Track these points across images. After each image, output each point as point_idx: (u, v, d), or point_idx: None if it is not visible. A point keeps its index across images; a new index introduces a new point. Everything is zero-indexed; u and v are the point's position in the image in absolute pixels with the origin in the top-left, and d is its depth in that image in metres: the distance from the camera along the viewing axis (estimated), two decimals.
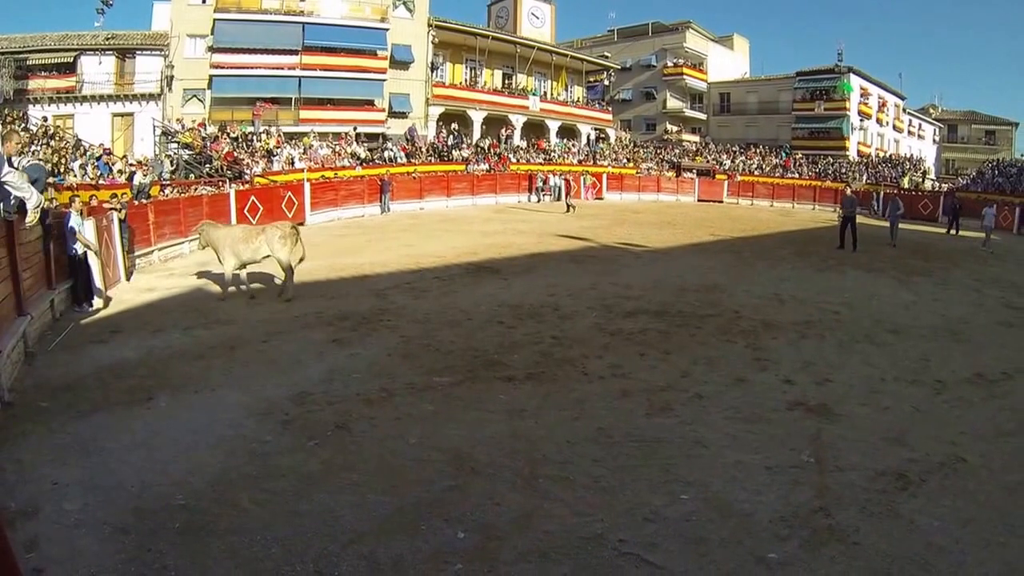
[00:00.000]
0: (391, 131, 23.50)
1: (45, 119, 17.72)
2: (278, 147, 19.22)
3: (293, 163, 18.65)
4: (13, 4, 48.57)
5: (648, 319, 6.98)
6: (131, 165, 14.87)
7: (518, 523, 2.99)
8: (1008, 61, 75.88)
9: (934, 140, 40.85)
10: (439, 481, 3.37)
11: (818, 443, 3.94)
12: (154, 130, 19.12)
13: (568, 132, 29.88)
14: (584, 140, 29.86)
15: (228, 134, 19.04)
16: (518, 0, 29.25)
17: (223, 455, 3.61)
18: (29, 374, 4.95)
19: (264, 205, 14.13)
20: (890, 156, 31.98)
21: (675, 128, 35.85)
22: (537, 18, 29.82)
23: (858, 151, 32.08)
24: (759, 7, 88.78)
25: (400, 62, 23.60)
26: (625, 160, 29.08)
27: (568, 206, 20.02)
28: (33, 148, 13.91)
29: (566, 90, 30.77)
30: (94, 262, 7.31)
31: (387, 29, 23.09)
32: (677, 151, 31.98)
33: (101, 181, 13.24)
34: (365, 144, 21.95)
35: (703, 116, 36.57)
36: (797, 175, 28.31)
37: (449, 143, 23.90)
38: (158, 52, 21.01)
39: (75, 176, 13.41)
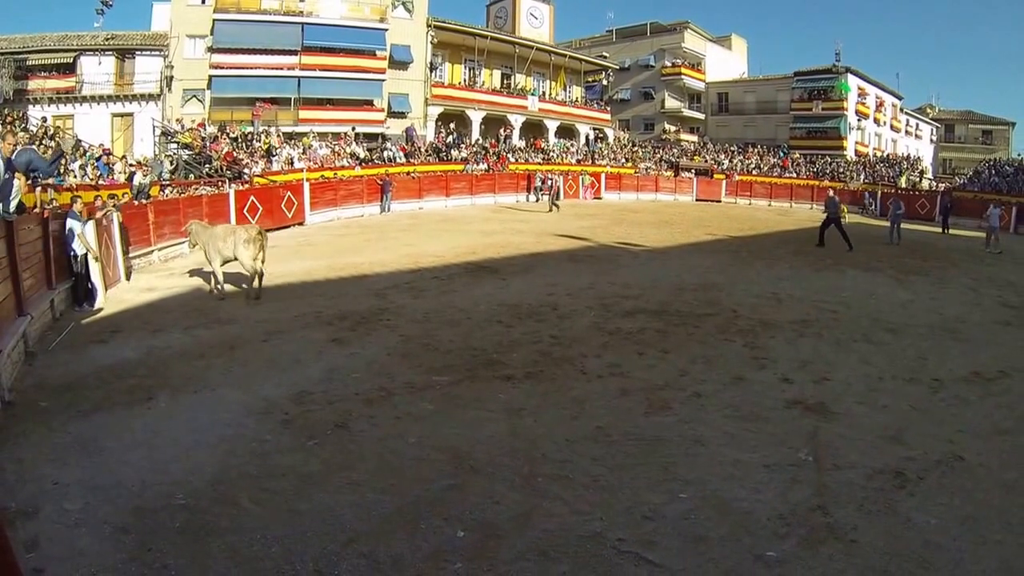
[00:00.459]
0: (390, 131, 23.50)
1: (45, 119, 17.68)
2: (278, 147, 19.21)
3: (292, 163, 18.64)
4: (13, 4, 48.48)
5: (646, 318, 7.00)
6: (131, 166, 14.84)
7: (517, 522, 3.00)
8: (1005, 61, 76.01)
9: (931, 140, 40.91)
10: (438, 480, 3.38)
11: (816, 441, 3.96)
12: (154, 130, 19.10)
13: (567, 132, 29.89)
14: (583, 140, 29.87)
15: (228, 134, 19.03)
16: (517, 0, 29.27)
17: (223, 454, 3.62)
18: (29, 374, 4.95)
19: (264, 205, 14.12)
20: (887, 156, 32.02)
21: (673, 128, 35.88)
22: (536, 18, 29.83)
23: (856, 151, 32.13)
24: (757, 7, 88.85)
25: (399, 62, 23.60)
26: (623, 160, 29.09)
27: (552, 205, 19.80)
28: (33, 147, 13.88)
29: (565, 90, 30.78)
30: (93, 263, 7.31)
31: (386, 29, 23.09)
32: (675, 151, 32.00)
33: (101, 181, 13.22)
34: (364, 144, 21.95)
35: (701, 116, 36.61)
36: (795, 175, 28.34)
37: (449, 143, 23.91)
38: (158, 52, 20.99)
39: (75, 177, 13.38)
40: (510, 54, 27.07)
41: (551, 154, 27.06)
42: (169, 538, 2.81)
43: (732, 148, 31.63)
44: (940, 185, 28.20)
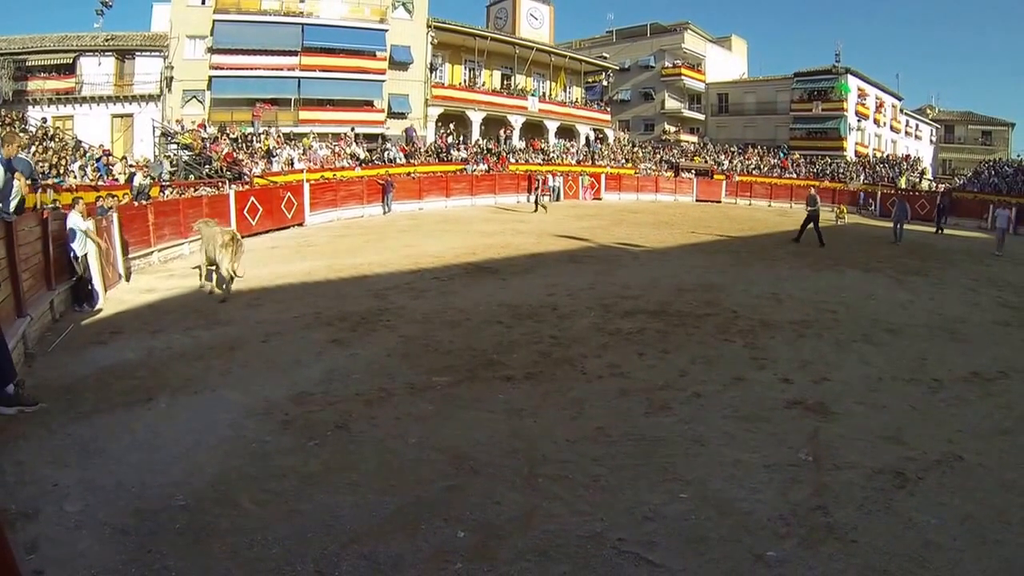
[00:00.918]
0: (390, 132, 23.51)
1: (44, 120, 17.69)
2: (278, 147, 19.22)
3: (292, 164, 18.65)
4: (12, 5, 48.54)
5: (646, 319, 7.00)
6: (131, 166, 14.85)
7: (518, 522, 3.00)
8: (1005, 62, 76.10)
9: (931, 140, 40.94)
10: (439, 481, 3.38)
11: (816, 441, 3.96)
12: (154, 131, 19.11)
13: (567, 133, 29.91)
14: (583, 141, 29.88)
15: (228, 135, 19.04)
16: (517, 1, 29.30)
17: (223, 456, 3.62)
18: (29, 375, 4.94)
19: (264, 206, 14.12)
20: (887, 156, 32.05)
21: (673, 128, 35.91)
22: (536, 19, 29.86)
23: (856, 151, 32.16)
24: (757, 8, 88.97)
25: (399, 63, 23.61)
26: (623, 160, 29.11)
27: (538, 206, 19.68)
28: (33, 149, 13.90)
29: (565, 91, 30.80)
30: (94, 264, 7.30)
31: (386, 30, 23.10)
32: (675, 151, 32.02)
33: (101, 182, 13.23)
34: (364, 145, 21.96)
35: (701, 116, 36.63)
36: (795, 175, 28.35)
37: (450, 143, 23.92)
38: (157, 53, 21.00)
39: (75, 177, 13.39)
40: (510, 55, 27.09)
41: (551, 155, 27.07)
42: (169, 539, 2.81)
43: (732, 149, 31.65)
44: (940, 186, 28.21)
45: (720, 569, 2.69)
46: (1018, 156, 30.55)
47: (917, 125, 39.55)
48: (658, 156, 30.85)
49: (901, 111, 37.71)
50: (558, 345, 5.93)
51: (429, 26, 24.27)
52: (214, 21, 20.94)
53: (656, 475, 3.49)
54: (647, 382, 4.99)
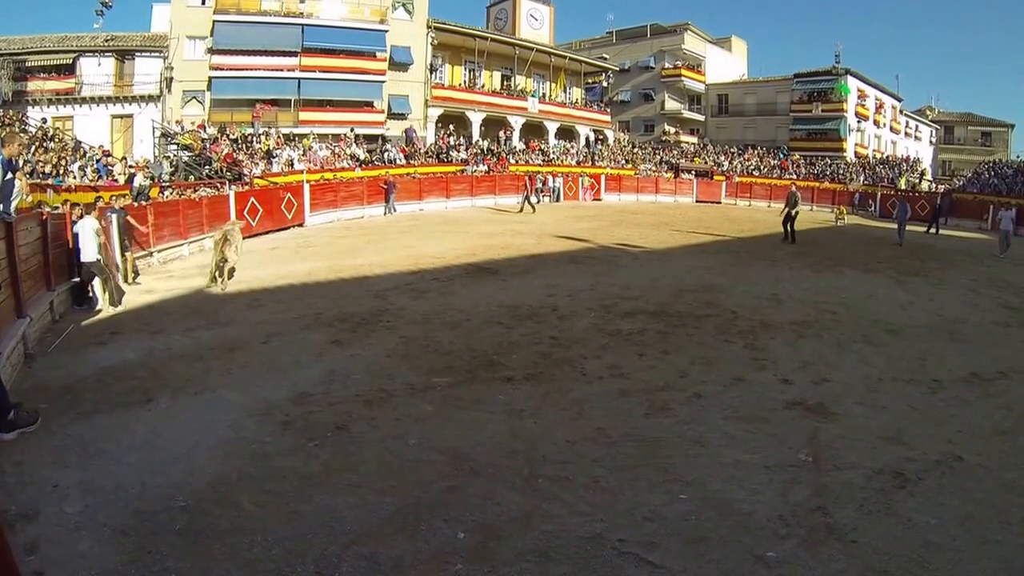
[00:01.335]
0: (390, 133, 23.52)
1: (44, 121, 17.70)
2: (278, 148, 19.23)
3: (292, 164, 18.66)
4: (12, 5, 48.56)
5: (646, 319, 7.00)
6: (131, 167, 14.86)
7: (518, 523, 3.00)
8: (1004, 63, 76.20)
9: (931, 141, 40.98)
10: (439, 481, 3.38)
11: (816, 442, 3.96)
12: (153, 132, 19.11)
13: (567, 133, 29.92)
14: (582, 141, 29.90)
15: (227, 136, 19.05)
16: (517, 2, 29.33)
17: (223, 456, 3.62)
18: (29, 376, 4.94)
19: (264, 207, 14.12)
20: (887, 157, 32.08)
21: (673, 129, 35.93)
22: (536, 20, 29.88)
23: (855, 152, 32.19)
24: (757, 9, 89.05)
25: (399, 64, 23.63)
26: (623, 161, 29.13)
27: (524, 206, 19.67)
28: (33, 149, 13.90)
29: (565, 92, 30.82)
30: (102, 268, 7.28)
31: (386, 31, 23.12)
32: (675, 152, 32.06)
33: (100, 183, 13.23)
34: (364, 146, 21.97)
35: (701, 117, 36.66)
36: (795, 176, 28.38)
37: (451, 144, 23.93)
38: (157, 54, 21.01)
39: (74, 178, 13.39)
40: (510, 55, 27.11)
41: (551, 156, 27.09)
42: (169, 540, 2.81)
43: (732, 150, 31.69)
44: (940, 187, 28.25)
45: (720, 570, 2.69)
46: (1018, 157, 30.61)
47: (917, 126, 39.59)
48: (658, 157, 30.88)
49: (901, 112, 37.75)
50: (558, 346, 5.93)
51: (429, 27, 24.29)
52: (214, 22, 20.95)
53: (656, 476, 3.49)
54: (647, 383, 4.99)
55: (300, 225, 15.41)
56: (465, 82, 26.66)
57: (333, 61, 22.40)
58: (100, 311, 7.15)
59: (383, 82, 23.35)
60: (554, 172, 25.23)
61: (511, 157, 25.29)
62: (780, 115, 33.72)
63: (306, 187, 15.99)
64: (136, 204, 11.10)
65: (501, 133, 26.62)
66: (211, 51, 21.11)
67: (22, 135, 13.71)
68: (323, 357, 5.49)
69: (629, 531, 2.95)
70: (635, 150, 31.05)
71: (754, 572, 2.68)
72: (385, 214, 18.43)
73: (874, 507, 3.18)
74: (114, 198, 9.58)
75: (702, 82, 36.06)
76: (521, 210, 19.47)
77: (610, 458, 3.69)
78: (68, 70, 20.71)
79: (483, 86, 26.93)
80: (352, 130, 22.20)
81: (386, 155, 21.80)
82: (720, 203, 26.74)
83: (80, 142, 16.35)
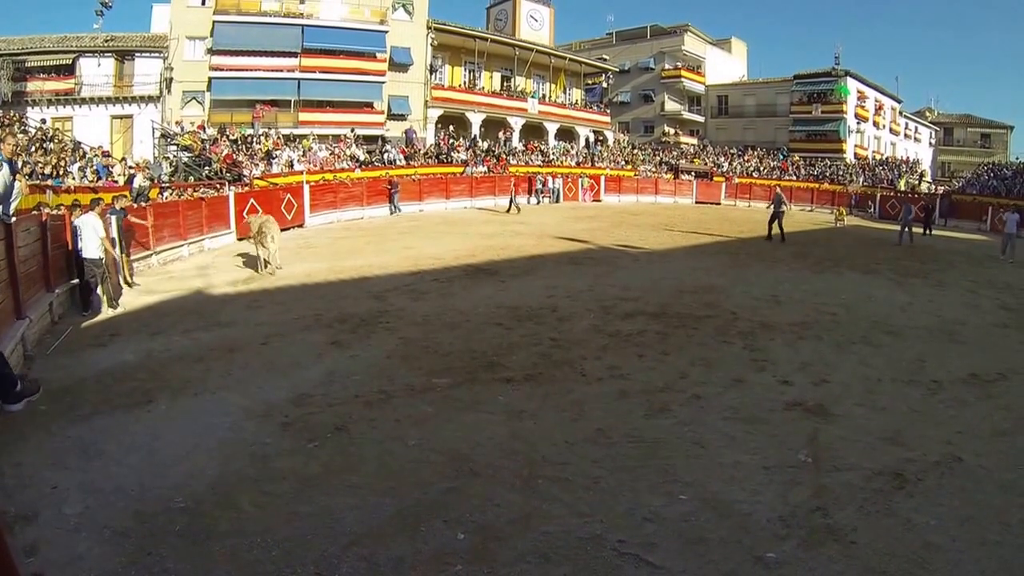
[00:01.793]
0: (390, 133, 23.53)
1: (44, 121, 17.68)
2: (277, 149, 19.23)
3: (292, 165, 18.66)
4: (12, 6, 48.58)
5: (646, 320, 7.00)
6: (130, 168, 14.85)
7: (518, 524, 3.00)
8: (1004, 65, 76.28)
9: (930, 143, 41.02)
10: (438, 482, 3.38)
11: (815, 443, 3.96)
12: (153, 132, 19.09)
13: (566, 134, 29.94)
14: (582, 142, 29.92)
15: (227, 136, 19.04)
16: (517, 3, 29.35)
17: (223, 458, 3.62)
18: (28, 378, 4.94)
19: (263, 207, 14.08)
20: (887, 159, 32.10)
21: (673, 130, 35.95)
22: (536, 21, 29.91)
23: (855, 154, 32.21)
24: (757, 10, 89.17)
25: (399, 64, 23.64)
26: (623, 162, 29.14)
27: (511, 207, 19.89)
28: (32, 150, 13.90)
29: (564, 92, 30.84)
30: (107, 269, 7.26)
31: (386, 31, 23.13)
32: (675, 153, 32.06)
33: (100, 184, 13.22)
34: (364, 146, 21.98)
35: (701, 119, 36.69)
36: (794, 177, 28.41)
37: (452, 145, 23.94)
38: (157, 54, 21.00)
39: (74, 179, 13.38)
40: (510, 56, 27.12)
41: (550, 156, 27.10)
42: (169, 542, 2.81)
43: (732, 151, 31.70)
44: (939, 188, 28.29)
45: (720, 571, 2.69)
46: (1017, 158, 30.64)
47: (916, 128, 39.63)
48: (658, 158, 30.89)
49: (900, 114, 37.79)
50: (558, 347, 5.93)
51: (429, 28, 24.30)
52: (214, 22, 20.95)
53: (656, 477, 3.49)
54: (647, 384, 4.99)
55: (300, 226, 15.41)
56: (465, 83, 26.68)
57: (333, 62, 22.41)
58: (101, 314, 7.14)
59: (383, 83, 23.35)
60: (554, 173, 25.24)
61: (511, 158, 25.29)
62: (780, 116, 33.75)
63: (306, 188, 15.99)
64: (136, 205, 11.10)
65: (501, 134, 26.63)
66: (211, 52, 21.11)
67: (19, 135, 13.70)
68: (323, 358, 5.49)
69: (629, 532, 2.95)
70: (635, 151, 31.06)
71: (754, 573, 2.68)
72: (391, 214, 18.58)
73: (874, 508, 3.18)
74: (115, 198, 9.58)
75: (702, 83, 36.09)
76: (508, 211, 19.61)
77: (610, 459, 3.69)
78: (68, 70, 20.71)
79: (483, 87, 26.95)
80: (353, 131, 22.21)
81: (386, 156, 21.81)
82: (720, 204, 26.75)
83: (80, 143, 16.34)
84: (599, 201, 25.54)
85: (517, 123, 27.38)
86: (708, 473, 3.54)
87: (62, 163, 13.89)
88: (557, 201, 24.31)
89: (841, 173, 28.25)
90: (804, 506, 3.20)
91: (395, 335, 6.24)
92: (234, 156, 17.87)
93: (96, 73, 20.74)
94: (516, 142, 27.06)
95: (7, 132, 5.95)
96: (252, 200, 13.90)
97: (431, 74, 24.82)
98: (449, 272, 9.75)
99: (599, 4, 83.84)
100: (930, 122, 41.33)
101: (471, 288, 8.61)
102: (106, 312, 7.11)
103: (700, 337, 6.41)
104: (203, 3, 21.13)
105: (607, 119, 32.04)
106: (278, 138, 20.09)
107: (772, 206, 14.98)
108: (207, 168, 16.94)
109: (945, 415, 4.52)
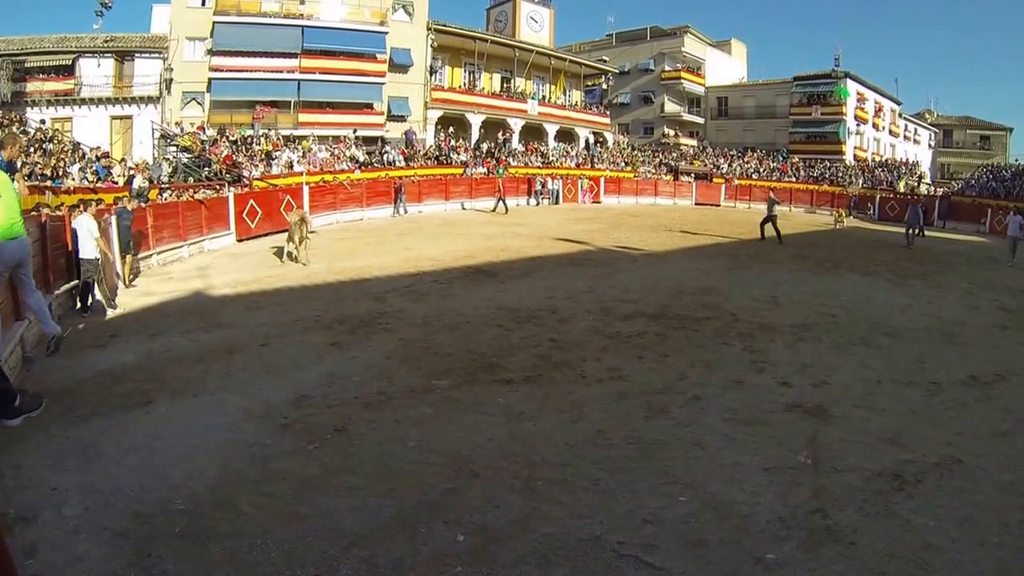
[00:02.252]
0: (389, 134, 23.54)
1: (43, 122, 17.69)
2: (276, 150, 19.23)
3: (292, 166, 18.66)
4: (11, 6, 48.61)
5: (646, 322, 7.01)
6: (130, 168, 14.85)
7: (517, 525, 3.00)
8: (1003, 67, 76.42)
9: (930, 145, 41.06)
10: (438, 484, 3.38)
11: (815, 444, 3.96)
12: (153, 133, 19.10)
13: (566, 136, 29.97)
14: (582, 144, 29.95)
15: (227, 137, 19.05)
16: (517, 4, 29.38)
17: (222, 459, 3.62)
18: (27, 379, 4.93)
19: (263, 209, 14.12)
20: (886, 161, 32.15)
21: (673, 132, 35.99)
22: (536, 22, 29.95)
23: (854, 155, 32.25)
24: (757, 12, 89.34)
25: (399, 65, 23.66)
26: (623, 164, 29.17)
27: (497, 206, 20.10)
28: (32, 150, 13.89)
29: (564, 94, 30.88)
30: (104, 269, 7.26)
31: (386, 33, 23.15)
32: (675, 155, 32.10)
33: (99, 184, 13.23)
34: (363, 147, 21.99)
35: (701, 120, 36.73)
36: (794, 179, 28.44)
37: (452, 146, 23.95)
38: (157, 55, 21.02)
39: (73, 180, 13.39)
40: (510, 58, 27.15)
41: (550, 158, 27.13)
42: (169, 543, 2.80)
43: (731, 152, 31.73)
44: (938, 190, 28.33)
45: (720, 572, 2.69)
46: (1016, 160, 30.68)
47: (916, 129, 39.68)
48: (657, 159, 30.92)
49: (900, 115, 37.83)
50: (557, 348, 5.93)
51: (429, 29, 24.32)
52: (214, 23, 20.97)
53: (655, 478, 3.49)
54: (646, 385, 4.99)
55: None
56: (465, 84, 26.70)
57: (333, 63, 22.43)
58: (101, 314, 7.14)
59: (383, 84, 23.38)
60: (553, 174, 25.25)
61: (511, 159, 25.31)
62: (779, 118, 33.80)
63: (305, 189, 15.99)
64: (136, 205, 11.10)
65: (500, 135, 26.65)
66: (211, 52, 21.12)
67: (22, 137, 13.69)
68: (322, 359, 5.49)
69: (629, 533, 2.95)
70: (634, 152, 31.09)
71: (753, 574, 2.68)
72: (394, 215, 18.65)
73: (873, 509, 3.19)
74: (120, 199, 9.59)
75: (702, 85, 36.14)
76: (494, 210, 19.79)
77: (609, 460, 3.69)
78: (67, 71, 20.71)
79: (483, 88, 26.97)
80: (353, 132, 22.22)
81: (385, 157, 21.82)
82: (719, 206, 26.78)
83: (79, 143, 16.35)
84: (599, 203, 25.55)
85: (517, 124, 27.41)
86: (708, 474, 3.54)
87: (62, 164, 13.90)
88: (557, 202, 24.33)
89: (841, 175, 28.28)
90: (804, 507, 3.20)
91: (395, 336, 6.24)
92: (234, 157, 17.88)
93: (96, 74, 20.75)
94: (516, 143, 27.08)
95: (13, 135, 5.93)
96: (252, 201, 13.90)
97: (431, 75, 24.84)
98: (449, 273, 9.75)
99: (599, 5, 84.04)
100: (929, 124, 41.38)
101: (471, 289, 8.61)
102: (105, 313, 7.11)
103: (700, 339, 6.41)
104: (203, 4, 21.15)
105: (607, 120, 32.07)
106: (278, 139, 20.10)
107: (768, 208, 15.28)
108: (207, 169, 16.94)
109: (944, 416, 4.52)
